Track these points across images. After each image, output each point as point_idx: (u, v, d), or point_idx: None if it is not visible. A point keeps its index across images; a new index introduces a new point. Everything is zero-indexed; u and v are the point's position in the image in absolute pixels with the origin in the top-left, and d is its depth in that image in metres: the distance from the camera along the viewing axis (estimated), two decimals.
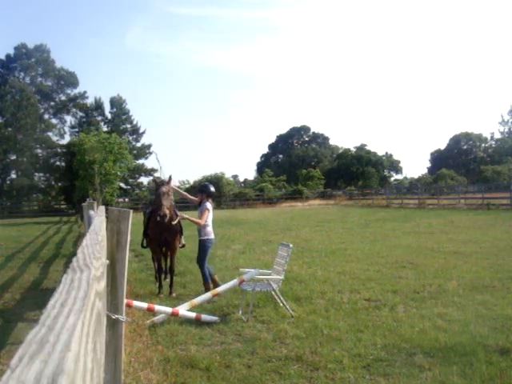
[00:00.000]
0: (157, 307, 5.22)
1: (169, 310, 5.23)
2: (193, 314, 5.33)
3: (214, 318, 5.40)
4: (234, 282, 5.81)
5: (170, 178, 7.06)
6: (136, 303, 5.10)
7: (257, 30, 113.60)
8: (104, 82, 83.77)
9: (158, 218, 6.52)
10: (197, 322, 5.30)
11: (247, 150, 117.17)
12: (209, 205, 6.88)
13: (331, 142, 73.67)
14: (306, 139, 74.79)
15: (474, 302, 5.77)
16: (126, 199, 39.56)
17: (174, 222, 6.90)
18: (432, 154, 71.82)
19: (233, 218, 23.19)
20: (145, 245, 8.00)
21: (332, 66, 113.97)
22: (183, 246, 7.62)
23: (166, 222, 6.64)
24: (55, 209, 39.42)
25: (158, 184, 6.94)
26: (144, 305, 5.16)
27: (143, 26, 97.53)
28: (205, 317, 5.37)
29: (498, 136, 66.05)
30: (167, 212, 6.56)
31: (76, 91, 49.84)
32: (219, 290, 5.84)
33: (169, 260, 7.23)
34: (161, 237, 6.95)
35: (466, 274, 7.44)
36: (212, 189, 7.11)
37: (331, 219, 21.35)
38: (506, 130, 64.58)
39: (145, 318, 5.51)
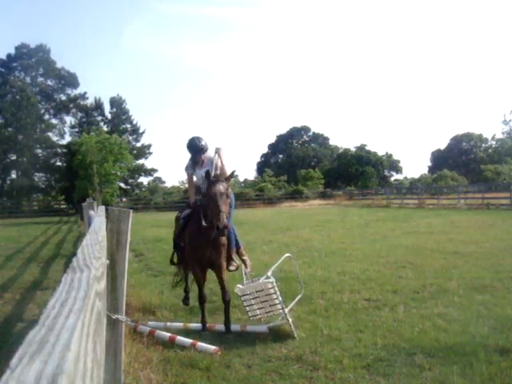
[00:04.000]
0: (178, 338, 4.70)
1: (188, 341, 4.65)
2: (212, 347, 4.49)
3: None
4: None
5: (233, 173, 5.12)
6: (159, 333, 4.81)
7: (256, 29, 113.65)
8: (104, 82, 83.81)
9: (216, 232, 4.62)
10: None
11: (247, 149, 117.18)
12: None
13: (331, 142, 73.80)
14: (306, 139, 74.83)
15: (474, 302, 5.77)
16: (124, 199, 39.56)
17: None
18: (433, 153, 71.89)
19: (233, 218, 23.16)
20: (175, 261, 5.81)
21: (332, 65, 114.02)
22: (237, 268, 5.35)
23: (217, 234, 4.74)
24: (55, 209, 39.45)
25: (212, 179, 4.82)
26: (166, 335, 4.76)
27: (139, 25, 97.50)
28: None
29: (499, 136, 66.15)
30: (226, 222, 4.68)
31: (76, 91, 49.91)
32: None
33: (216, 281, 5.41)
34: (205, 253, 5.01)
35: (466, 274, 7.44)
36: None
37: (331, 219, 21.34)
38: (508, 129, 64.65)
39: (145, 318, 5.52)
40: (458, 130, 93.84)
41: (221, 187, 4.72)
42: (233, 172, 5.08)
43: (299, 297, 5.49)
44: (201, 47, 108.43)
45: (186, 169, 5.58)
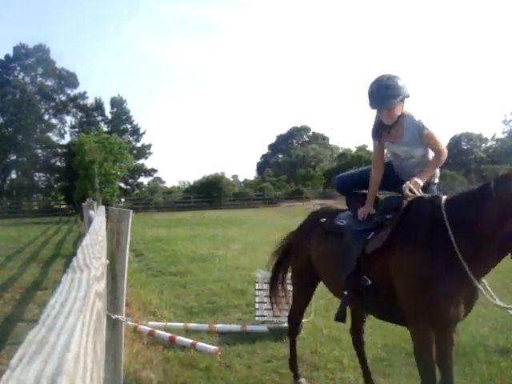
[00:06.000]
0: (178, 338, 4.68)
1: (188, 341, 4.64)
2: (211, 347, 4.46)
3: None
4: None
5: None
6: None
7: (255, 29, 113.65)
8: (104, 82, 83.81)
9: None
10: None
11: (247, 149, 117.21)
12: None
13: (331, 142, 73.73)
14: (306, 139, 74.81)
15: None
16: (123, 199, 39.59)
17: None
18: None
19: (233, 218, 23.18)
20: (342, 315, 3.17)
21: (332, 65, 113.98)
22: None
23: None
24: (55, 209, 39.46)
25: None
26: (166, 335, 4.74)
27: (139, 24, 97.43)
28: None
29: (499, 136, 66.12)
30: None
31: (76, 91, 49.93)
32: None
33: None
34: (459, 301, 2.68)
35: None
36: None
37: None
38: (508, 129, 64.66)
39: (145, 318, 5.51)
40: (457, 129, 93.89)
41: None
42: None
43: (306, 319, 5.25)
44: (200, 47, 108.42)
45: (372, 135, 3.43)
